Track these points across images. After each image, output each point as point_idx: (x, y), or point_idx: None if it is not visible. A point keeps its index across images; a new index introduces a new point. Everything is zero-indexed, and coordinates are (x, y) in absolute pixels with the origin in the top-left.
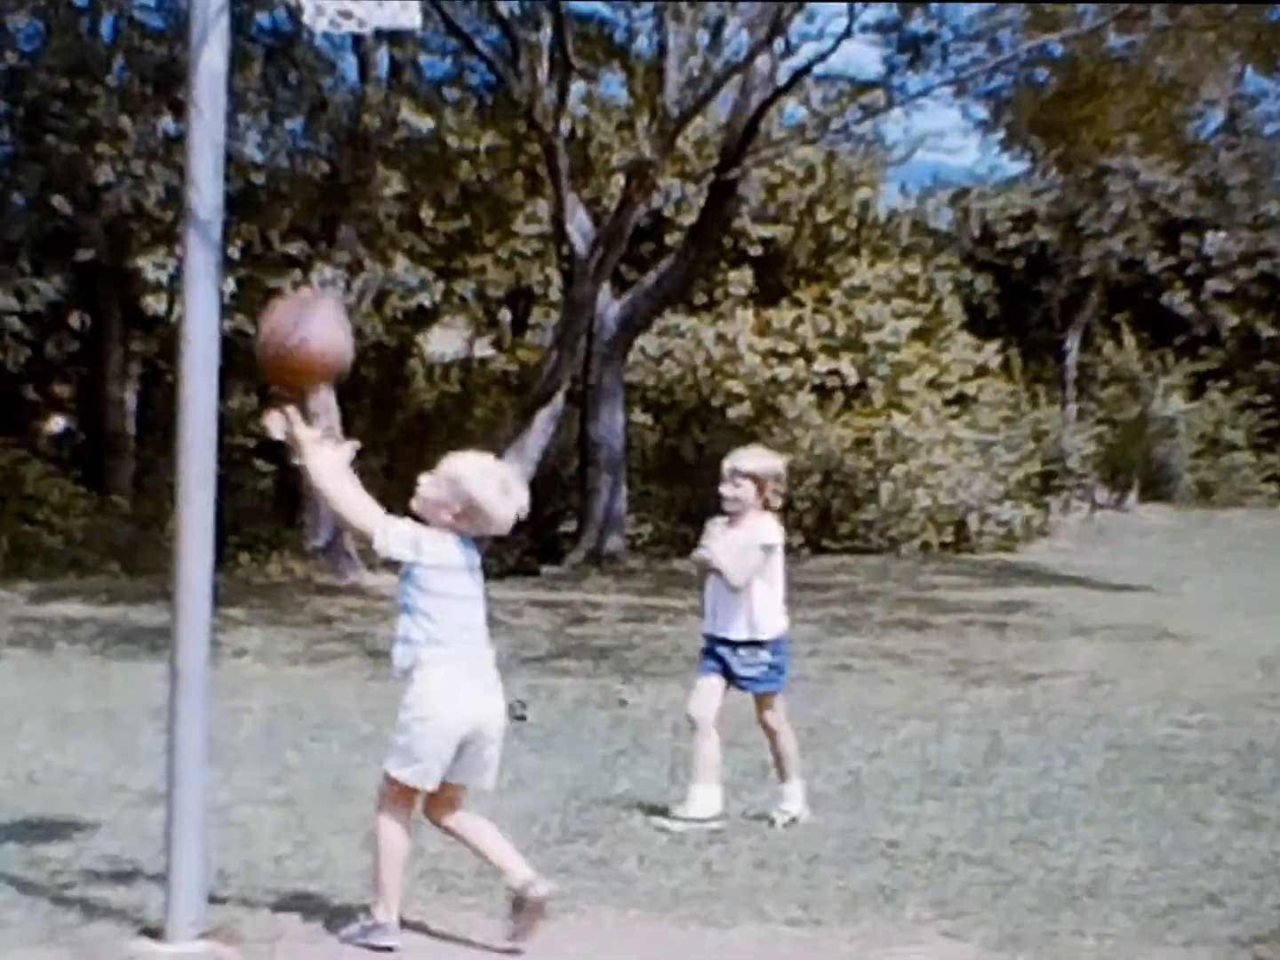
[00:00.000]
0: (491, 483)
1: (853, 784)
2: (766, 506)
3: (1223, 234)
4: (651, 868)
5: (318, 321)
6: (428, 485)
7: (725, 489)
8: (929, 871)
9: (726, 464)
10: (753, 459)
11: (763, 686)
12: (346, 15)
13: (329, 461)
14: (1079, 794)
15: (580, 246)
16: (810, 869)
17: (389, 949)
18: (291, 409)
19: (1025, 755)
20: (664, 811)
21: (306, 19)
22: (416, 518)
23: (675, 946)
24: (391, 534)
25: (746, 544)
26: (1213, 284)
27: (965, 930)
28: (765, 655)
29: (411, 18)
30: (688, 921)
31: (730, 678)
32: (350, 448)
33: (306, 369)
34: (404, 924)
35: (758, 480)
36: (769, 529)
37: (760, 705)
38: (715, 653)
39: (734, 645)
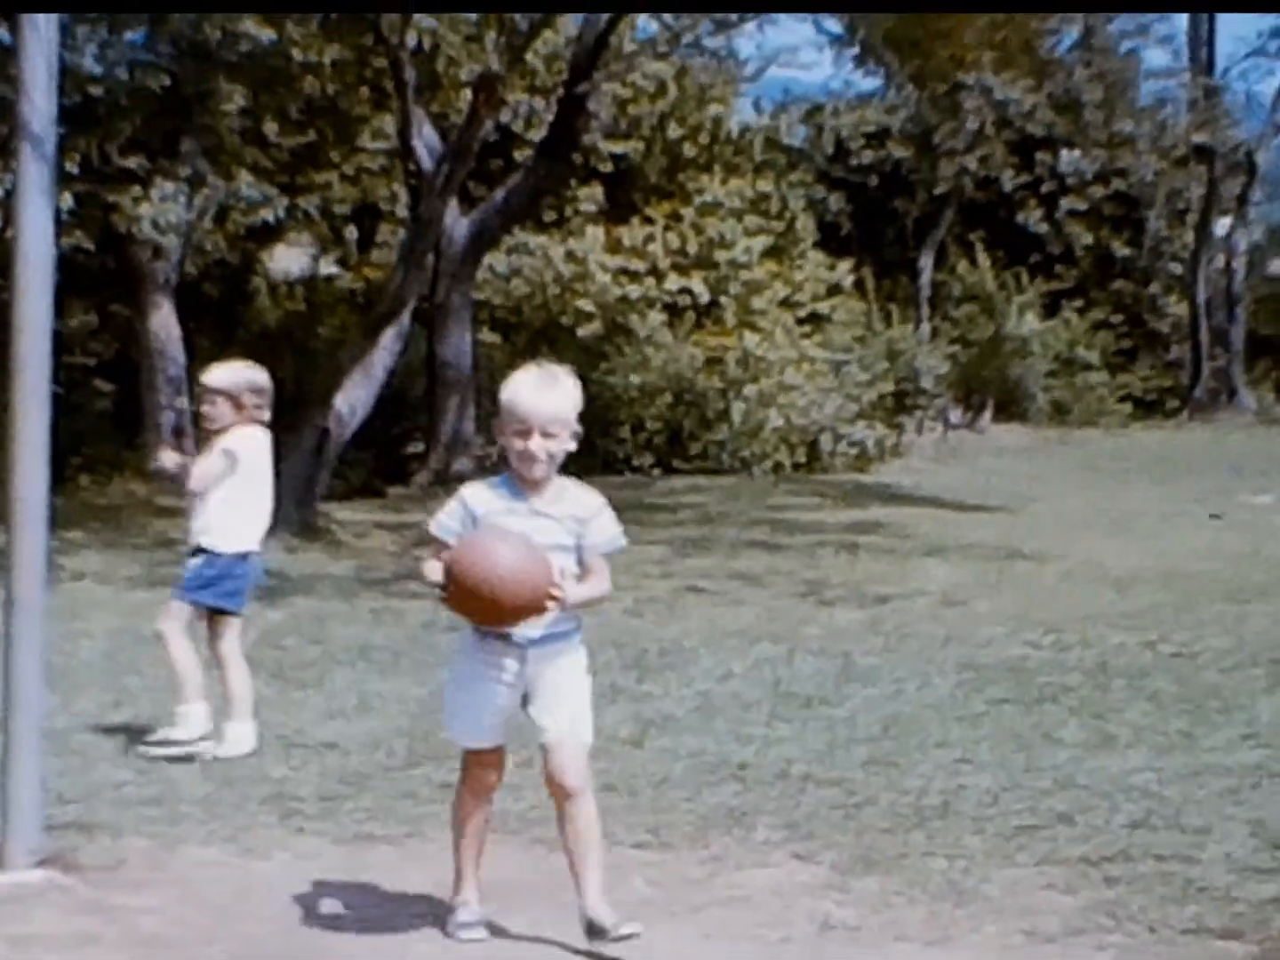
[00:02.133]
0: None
1: (703, 706)
2: (255, 421)
3: (1077, 152)
4: (499, 791)
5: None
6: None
7: (203, 407)
8: (779, 794)
9: (200, 380)
10: (221, 374)
11: (191, 596)
12: None
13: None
14: (931, 715)
15: (426, 162)
16: (659, 792)
17: None
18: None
19: (877, 676)
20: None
21: None
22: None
23: (523, 870)
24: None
25: (216, 451)
26: (1067, 202)
27: (815, 852)
28: (199, 564)
29: None
30: (535, 845)
31: None
32: None
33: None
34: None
35: (229, 395)
36: (235, 437)
37: (210, 629)
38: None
39: (190, 552)
